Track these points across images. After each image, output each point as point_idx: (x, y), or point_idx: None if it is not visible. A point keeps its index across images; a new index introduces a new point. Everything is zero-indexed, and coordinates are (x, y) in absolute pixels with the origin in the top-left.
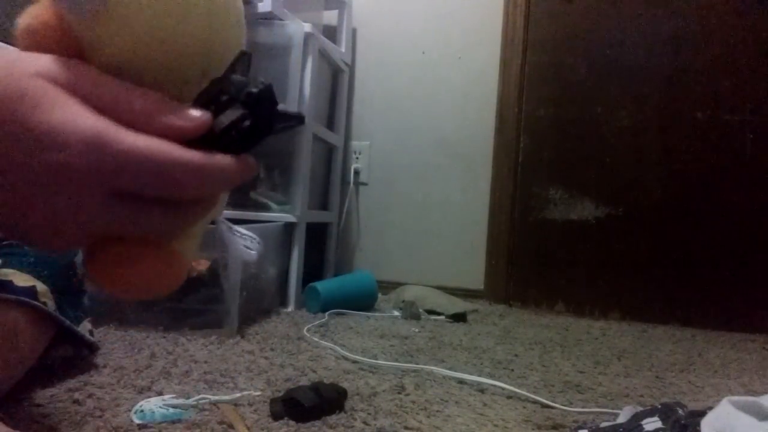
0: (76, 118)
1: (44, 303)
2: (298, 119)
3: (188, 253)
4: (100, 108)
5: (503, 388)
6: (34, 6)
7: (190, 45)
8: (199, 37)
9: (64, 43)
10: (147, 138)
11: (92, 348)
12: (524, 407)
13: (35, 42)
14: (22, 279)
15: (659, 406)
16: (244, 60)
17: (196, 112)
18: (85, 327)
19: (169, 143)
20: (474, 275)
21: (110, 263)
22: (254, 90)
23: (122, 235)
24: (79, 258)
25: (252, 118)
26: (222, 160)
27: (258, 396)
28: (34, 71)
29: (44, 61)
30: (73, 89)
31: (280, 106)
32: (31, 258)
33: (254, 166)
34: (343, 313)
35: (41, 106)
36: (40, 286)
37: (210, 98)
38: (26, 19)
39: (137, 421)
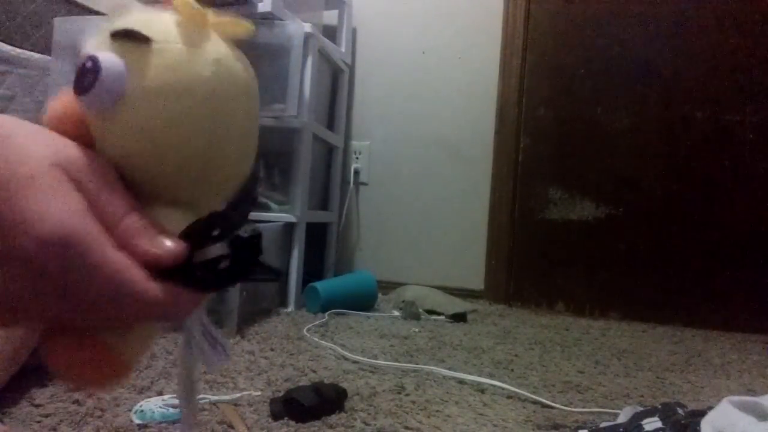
0: (65, 215)
1: None
2: (276, 274)
3: (128, 352)
4: (95, 208)
5: (503, 388)
6: (63, 95)
7: (190, 152)
8: (198, 146)
9: (81, 132)
10: (117, 256)
11: None
12: (524, 407)
13: (57, 127)
14: None
15: (659, 406)
16: (247, 202)
17: (172, 245)
18: None
19: (135, 267)
20: (474, 275)
21: (50, 352)
22: (243, 235)
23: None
24: None
25: (231, 261)
26: (175, 296)
27: (258, 396)
28: (53, 160)
29: (64, 150)
30: (80, 184)
31: (263, 258)
32: None
33: (198, 302)
34: (343, 313)
35: (42, 195)
36: None
37: (203, 228)
38: (53, 106)
39: (137, 421)
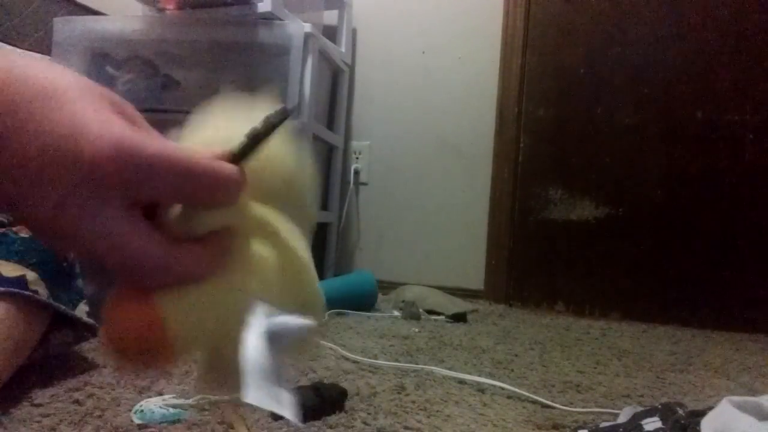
0: (113, 125)
1: (35, 291)
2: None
3: (176, 324)
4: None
5: (503, 388)
6: None
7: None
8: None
9: None
10: (176, 150)
11: (92, 330)
12: (524, 407)
13: None
14: (9, 269)
15: (659, 406)
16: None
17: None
18: (81, 310)
19: (191, 152)
20: (474, 275)
21: (107, 322)
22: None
23: (123, 265)
24: None
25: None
26: (230, 169)
27: None
28: (96, 92)
29: (105, 91)
30: (117, 110)
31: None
32: (19, 246)
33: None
34: (343, 313)
35: (86, 110)
36: (30, 275)
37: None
38: None
39: (137, 421)
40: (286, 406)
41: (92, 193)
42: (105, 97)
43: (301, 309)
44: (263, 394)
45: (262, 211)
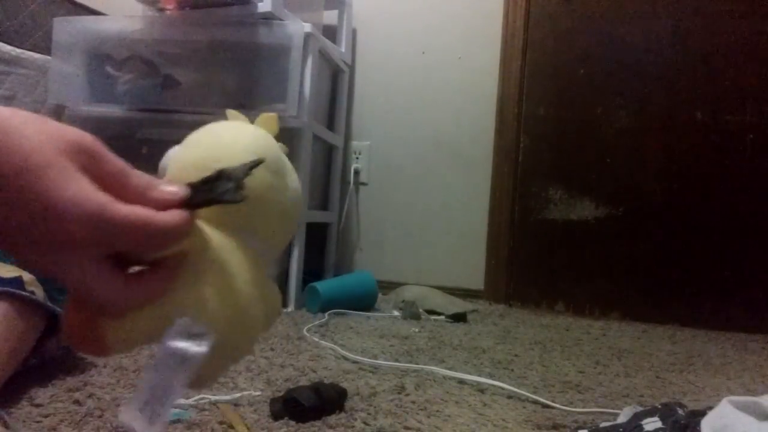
0: (83, 195)
1: (32, 292)
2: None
3: (116, 343)
4: (100, 179)
5: (503, 388)
6: None
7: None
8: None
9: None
10: (129, 209)
11: None
12: (524, 407)
13: None
14: (6, 270)
15: (659, 406)
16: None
17: (176, 187)
18: None
19: (145, 210)
20: (474, 275)
21: (67, 318)
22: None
23: (86, 293)
24: None
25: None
26: (181, 218)
27: (258, 396)
28: (63, 148)
29: (71, 138)
30: (86, 167)
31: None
32: None
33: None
34: (343, 313)
35: (58, 182)
36: (27, 276)
37: (201, 182)
38: None
39: None
40: (153, 428)
41: (68, 250)
42: (70, 151)
43: (225, 329)
44: (137, 414)
45: (215, 239)
